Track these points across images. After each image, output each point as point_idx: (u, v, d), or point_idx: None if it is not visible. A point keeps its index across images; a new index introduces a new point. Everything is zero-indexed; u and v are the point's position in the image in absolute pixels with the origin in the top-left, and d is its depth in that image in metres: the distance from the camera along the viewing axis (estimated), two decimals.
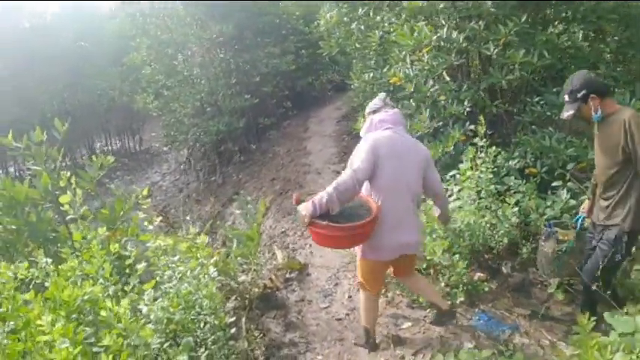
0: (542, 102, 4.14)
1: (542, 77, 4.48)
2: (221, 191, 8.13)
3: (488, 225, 3.14)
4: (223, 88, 8.44)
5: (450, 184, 3.40)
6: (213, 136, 8.44)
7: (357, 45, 5.15)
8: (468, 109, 3.96)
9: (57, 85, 12.20)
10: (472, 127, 3.98)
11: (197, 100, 8.57)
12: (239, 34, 8.60)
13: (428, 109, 3.87)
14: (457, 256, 3.03)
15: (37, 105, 11.95)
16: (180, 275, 2.19)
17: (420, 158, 2.51)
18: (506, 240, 3.13)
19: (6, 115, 11.63)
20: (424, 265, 3.19)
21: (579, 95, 2.50)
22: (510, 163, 3.81)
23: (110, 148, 14.84)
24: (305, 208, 2.24)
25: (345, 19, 5.32)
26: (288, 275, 3.82)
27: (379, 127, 2.55)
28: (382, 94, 2.74)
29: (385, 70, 4.26)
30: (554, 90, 4.23)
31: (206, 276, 2.27)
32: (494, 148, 3.31)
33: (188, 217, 4.31)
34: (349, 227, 2.25)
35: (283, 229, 5.00)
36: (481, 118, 3.30)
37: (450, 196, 3.42)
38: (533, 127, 4.14)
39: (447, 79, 3.66)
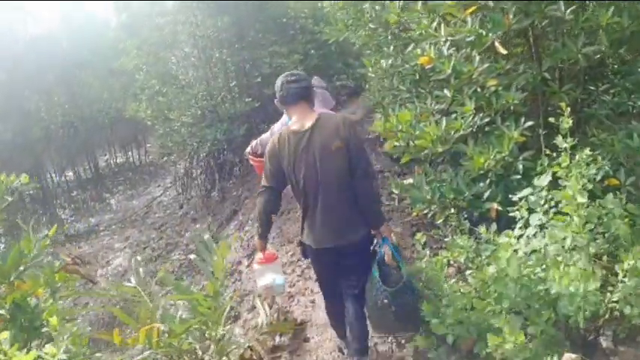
0: (616, 88, 3.03)
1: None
2: (219, 209, 7.10)
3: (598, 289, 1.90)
4: (221, 91, 7.48)
5: (522, 208, 2.17)
6: (211, 146, 7.47)
7: (371, 25, 4.04)
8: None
9: (59, 96, 11.57)
10: (529, 123, 2.87)
11: (193, 105, 7.64)
12: (238, 31, 7.66)
13: (472, 99, 2.73)
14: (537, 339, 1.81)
15: (39, 117, 11.32)
16: None
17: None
18: (628, 310, 1.87)
19: (8, 127, 11.07)
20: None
21: None
22: (588, 171, 2.62)
23: (115, 161, 14.11)
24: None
25: None
26: (277, 341, 2.70)
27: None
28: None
29: (410, 49, 3.14)
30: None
31: None
32: (587, 151, 2.13)
33: (139, 257, 3.24)
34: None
35: None
36: (563, 105, 2.13)
37: (521, 227, 2.22)
38: (608, 122, 3.01)
39: (504, 51, 2.50)
